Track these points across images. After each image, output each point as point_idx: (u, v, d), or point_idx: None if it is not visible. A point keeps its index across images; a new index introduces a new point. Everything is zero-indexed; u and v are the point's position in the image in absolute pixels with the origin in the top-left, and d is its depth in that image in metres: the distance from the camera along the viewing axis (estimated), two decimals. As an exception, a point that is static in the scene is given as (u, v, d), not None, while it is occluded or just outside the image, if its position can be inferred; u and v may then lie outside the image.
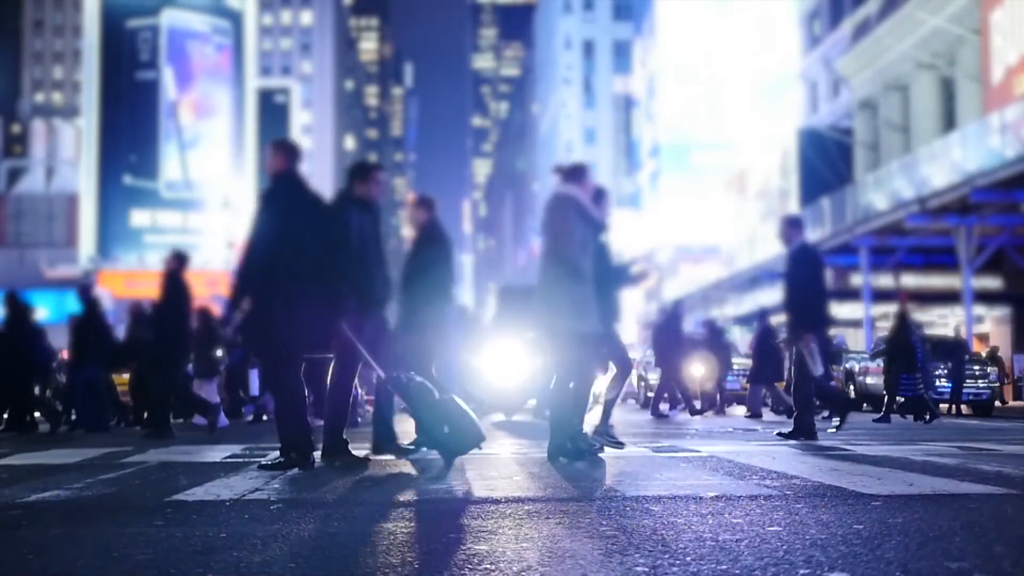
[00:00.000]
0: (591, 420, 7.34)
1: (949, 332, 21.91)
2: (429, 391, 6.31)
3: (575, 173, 6.87)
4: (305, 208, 6.27)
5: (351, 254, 6.52)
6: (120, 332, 14.86)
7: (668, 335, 15.86)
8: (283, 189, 6.31)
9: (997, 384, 20.13)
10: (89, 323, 12.83)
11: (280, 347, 6.21)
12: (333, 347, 6.63)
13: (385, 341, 6.87)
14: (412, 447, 7.19)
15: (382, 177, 6.94)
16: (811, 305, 8.95)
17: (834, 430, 9.88)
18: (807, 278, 8.97)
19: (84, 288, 13.72)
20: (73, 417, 13.01)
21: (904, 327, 15.71)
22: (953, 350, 18.37)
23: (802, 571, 2.81)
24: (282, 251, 6.12)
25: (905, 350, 15.06)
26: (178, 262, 10.76)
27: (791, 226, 9.24)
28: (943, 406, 19.50)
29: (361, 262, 6.59)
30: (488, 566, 2.95)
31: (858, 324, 29.43)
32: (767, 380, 15.84)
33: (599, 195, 7.14)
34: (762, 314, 17.25)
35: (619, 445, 7.48)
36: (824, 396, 9.97)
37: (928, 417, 14.66)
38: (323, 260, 6.20)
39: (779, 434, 9.27)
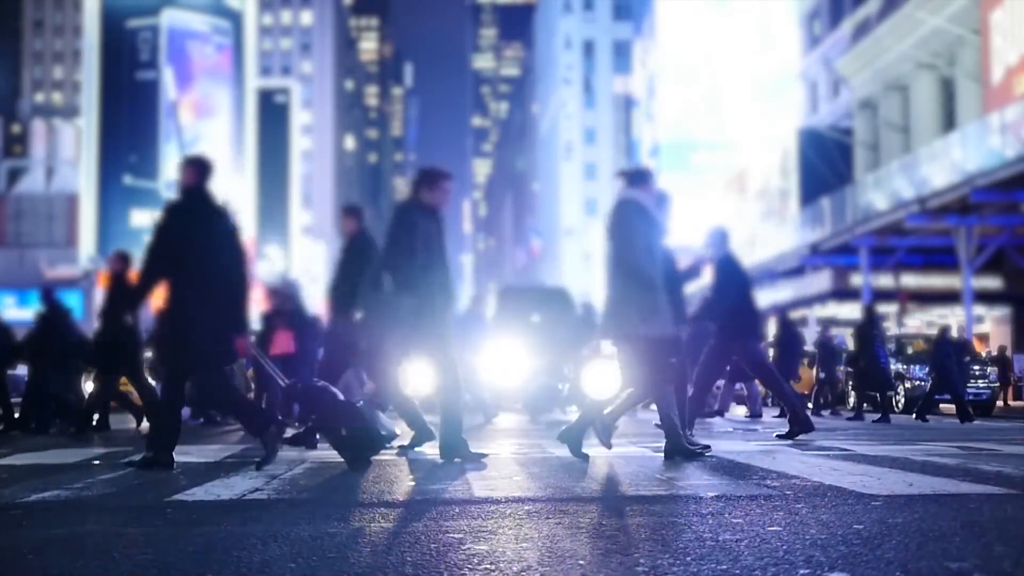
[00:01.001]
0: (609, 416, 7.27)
1: (950, 332, 21.90)
2: (332, 394, 6.49)
3: (639, 177, 6.83)
4: (211, 222, 6.48)
5: (416, 261, 6.56)
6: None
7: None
8: (190, 204, 6.50)
9: (997, 384, 20.15)
10: (50, 324, 12.77)
11: (179, 357, 6.44)
12: (427, 352, 6.73)
13: (443, 348, 6.85)
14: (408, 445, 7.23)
15: (449, 186, 6.91)
16: (741, 313, 9.08)
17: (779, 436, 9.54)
18: (735, 287, 9.14)
19: (46, 290, 13.68)
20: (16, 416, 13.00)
21: (870, 323, 15.84)
22: (955, 350, 18.36)
23: (802, 571, 2.81)
24: (186, 264, 6.33)
25: (869, 347, 15.19)
26: (122, 263, 10.64)
27: (718, 237, 9.44)
28: (943, 406, 19.52)
29: (425, 269, 6.61)
30: (488, 566, 2.95)
31: (830, 323, 29.47)
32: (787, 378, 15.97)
33: (661, 200, 7.11)
34: (781, 311, 17.55)
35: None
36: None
37: (882, 416, 15.02)
38: (226, 274, 6.41)
39: (778, 436, 9.30)
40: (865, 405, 16.71)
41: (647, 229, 6.64)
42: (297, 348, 11.47)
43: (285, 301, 12.07)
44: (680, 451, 6.59)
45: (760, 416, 15.21)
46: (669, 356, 6.72)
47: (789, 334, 16.85)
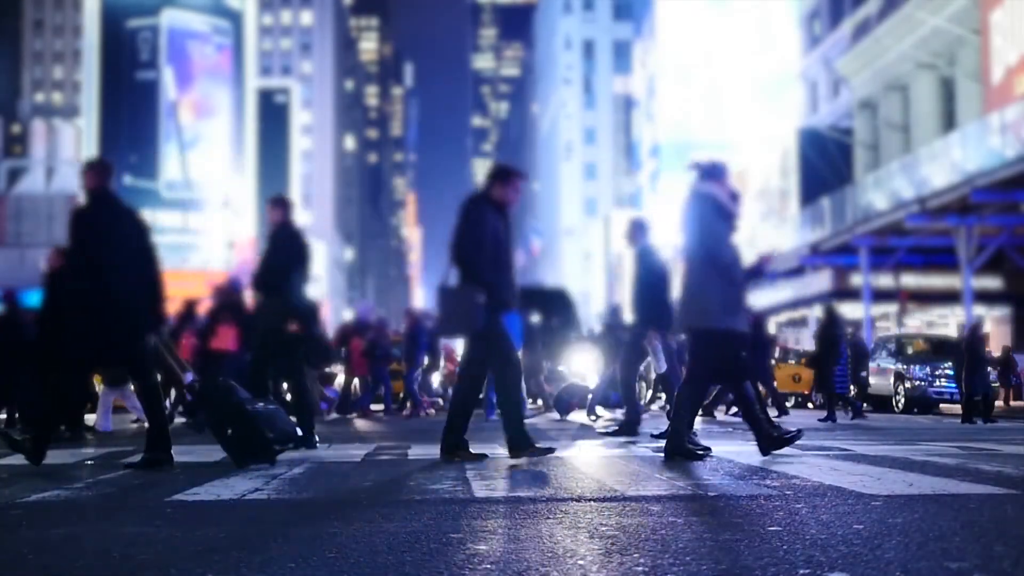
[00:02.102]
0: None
1: (950, 332, 21.91)
2: (232, 392, 6.64)
3: (714, 171, 6.81)
4: (117, 223, 6.66)
5: (484, 255, 6.54)
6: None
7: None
8: (96, 207, 6.65)
9: (997, 384, 20.13)
10: (8, 324, 12.71)
11: (72, 353, 6.59)
12: (484, 351, 6.71)
13: (506, 345, 6.80)
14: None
15: (522, 184, 6.90)
16: (656, 304, 9.12)
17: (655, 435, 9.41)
18: (653, 278, 9.22)
19: (7, 292, 13.65)
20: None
21: (832, 323, 15.81)
22: (956, 350, 18.35)
23: (802, 571, 2.81)
24: (94, 265, 6.50)
25: (833, 347, 15.04)
26: (61, 259, 10.60)
27: (637, 229, 9.50)
28: (943, 406, 19.52)
29: (494, 265, 6.58)
30: (488, 566, 2.95)
31: (858, 324, 29.44)
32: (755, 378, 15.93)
33: (732, 197, 7.10)
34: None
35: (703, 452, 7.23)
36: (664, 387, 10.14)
37: (851, 414, 15.22)
38: (133, 274, 6.55)
39: (602, 432, 9.40)
40: (867, 405, 16.63)
41: (722, 223, 6.64)
42: (240, 344, 11.51)
43: (229, 297, 12.13)
44: (681, 452, 6.59)
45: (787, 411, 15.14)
46: (743, 351, 6.77)
47: (758, 335, 16.52)
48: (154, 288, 6.62)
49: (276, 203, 8.22)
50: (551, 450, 6.83)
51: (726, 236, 6.67)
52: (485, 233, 6.57)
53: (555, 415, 15.02)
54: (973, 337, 15.83)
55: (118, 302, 6.44)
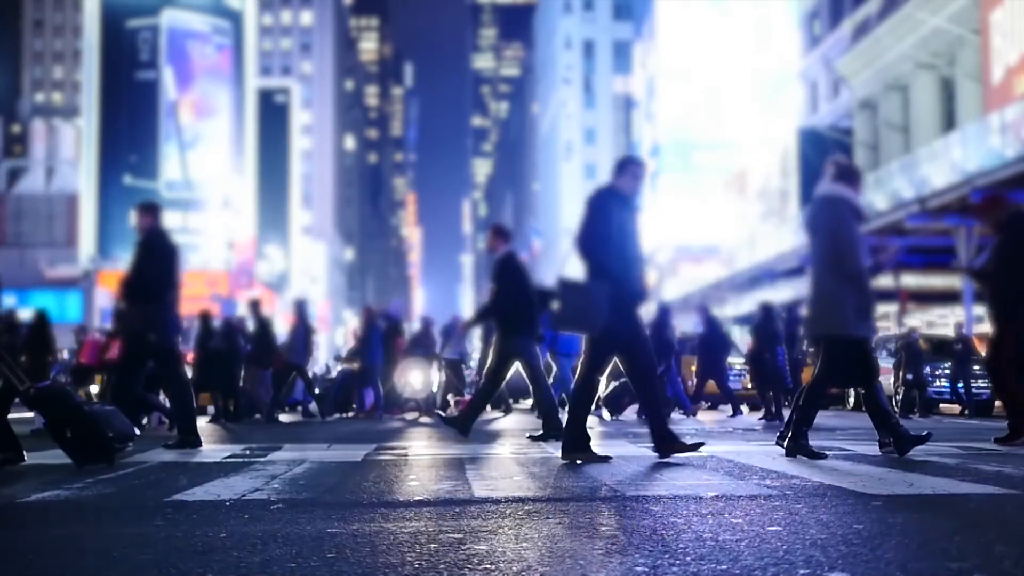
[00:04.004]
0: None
1: (950, 332, 21.89)
2: (69, 396, 6.93)
3: (849, 174, 6.75)
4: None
5: (611, 248, 6.49)
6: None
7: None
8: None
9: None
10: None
11: None
12: (619, 343, 6.60)
13: (640, 339, 6.71)
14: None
15: (642, 172, 6.86)
16: (520, 310, 9.11)
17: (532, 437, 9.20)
18: (515, 285, 9.17)
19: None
20: None
21: (768, 319, 15.73)
22: (957, 350, 18.34)
23: (802, 571, 2.81)
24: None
25: (769, 343, 14.74)
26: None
27: (497, 235, 9.52)
28: (943, 406, 19.50)
29: (621, 257, 6.53)
30: (488, 566, 2.95)
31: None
32: (711, 377, 15.93)
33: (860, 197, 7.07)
34: (703, 308, 17.54)
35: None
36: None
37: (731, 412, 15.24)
38: None
39: (530, 436, 9.07)
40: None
41: (856, 226, 6.57)
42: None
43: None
44: (805, 452, 6.58)
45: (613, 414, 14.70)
46: (872, 354, 6.83)
47: (714, 331, 16.26)
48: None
49: (146, 209, 8.25)
50: (699, 444, 6.78)
51: (861, 242, 6.60)
52: (611, 226, 6.51)
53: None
54: (960, 338, 15.76)
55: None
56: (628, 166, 6.81)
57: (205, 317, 15.62)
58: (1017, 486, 4.93)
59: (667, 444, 6.59)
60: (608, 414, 14.43)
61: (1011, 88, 28.54)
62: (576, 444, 6.53)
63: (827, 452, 6.89)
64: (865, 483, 5.00)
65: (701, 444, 6.86)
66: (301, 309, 16.88)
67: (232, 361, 14.93)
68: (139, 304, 8.19)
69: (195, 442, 8.19)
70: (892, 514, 3.90)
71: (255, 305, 16.33)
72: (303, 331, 16.29)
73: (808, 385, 6.92)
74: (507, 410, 16.56)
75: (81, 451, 6.56)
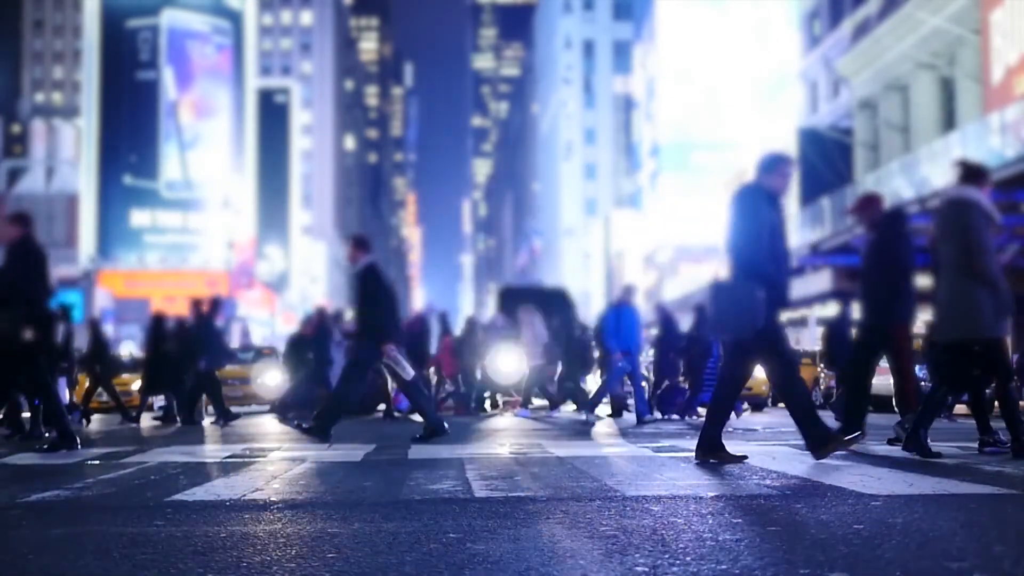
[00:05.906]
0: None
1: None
2: None
3: (979, 175, 6.68)
4: None
5: (762, 248, 6.25)
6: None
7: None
8: None
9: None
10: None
11: None
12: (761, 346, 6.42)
13: (784, 342, 6.56)
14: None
15: (790, 170, 6.67)
16: (382, 318, 9.14)
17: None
18: (375, 294, 9.19)
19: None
20: None
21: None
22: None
23: (802, 571, 2.81)
24: None
25: (706, 348, 14.53)
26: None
27: (357, 246, 9.48)
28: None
29: (772, 257, 6.31)
30: (488, 566, 2.95)
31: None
32: (667, 376, 15.71)
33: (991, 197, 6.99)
34: (662, 306, 17.57)
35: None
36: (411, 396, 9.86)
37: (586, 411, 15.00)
38: None
39: (414, 439, 9.02)
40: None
41: (987, 230, 6.53)
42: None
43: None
44: (921, 451, 6.67)
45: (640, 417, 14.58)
46: (1007, 355, 6.85)
47: (669, 331, 15.81)
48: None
49: (15, 219, 8.53)
50: (860, 436, 6.79)
51: (991, 244, 6.55)
52: (762, 225, 6.28)
53: (578, 415, 14.91)
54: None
55: None
56: (778, 164, 6.56)
57: (158, 319, 15.37)
58: (1017, 486, 4.93)
59: (821, 444, 6.34)
60: (658, 413, 14.46)
61: (1011, 88, 28.53)
62: (713, 444, 6.35)
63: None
64: (865, 483, 5.00)
65: (860, 435, 6.91)
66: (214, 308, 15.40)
67: (183, 363, 14.35)
68: (4, 309, 8.30)
69: (71, 445, 8.24)
70: (892, 514, 3.90)
71: (196, 304, 15.29)
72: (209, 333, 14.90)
73: (934, 388, 6.99)
74: (494, 405, 16.86)
75: None
